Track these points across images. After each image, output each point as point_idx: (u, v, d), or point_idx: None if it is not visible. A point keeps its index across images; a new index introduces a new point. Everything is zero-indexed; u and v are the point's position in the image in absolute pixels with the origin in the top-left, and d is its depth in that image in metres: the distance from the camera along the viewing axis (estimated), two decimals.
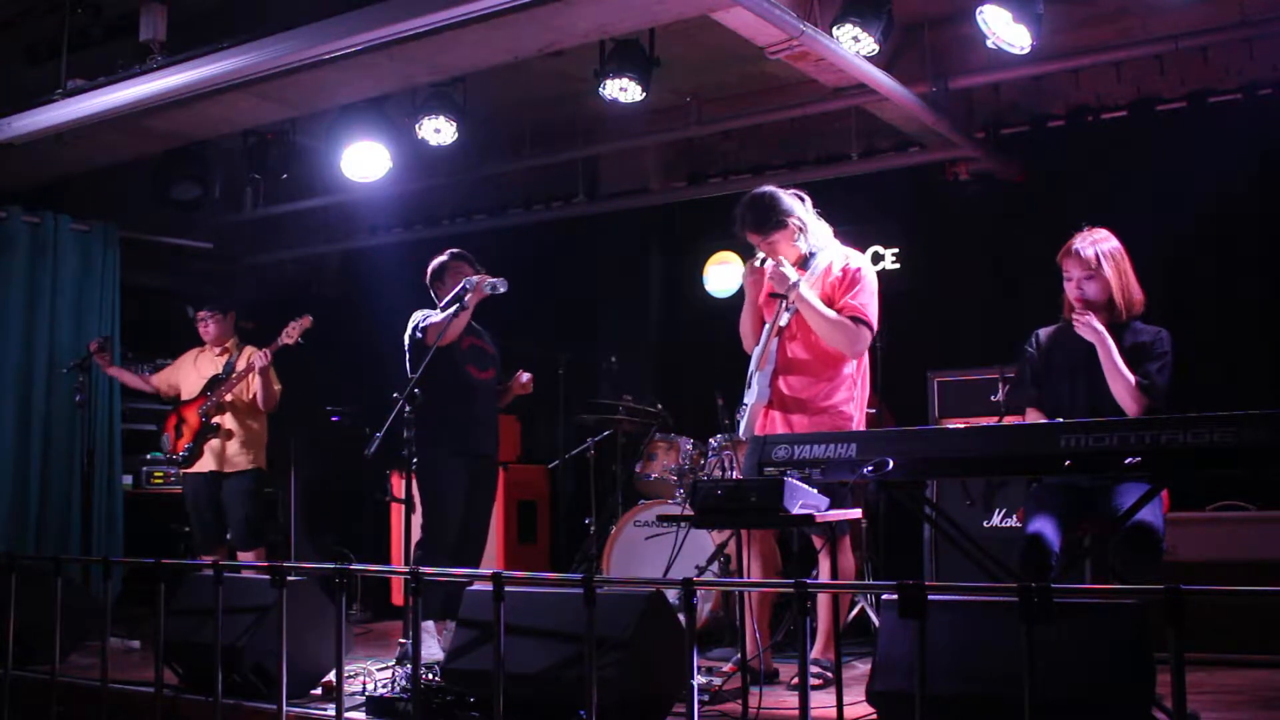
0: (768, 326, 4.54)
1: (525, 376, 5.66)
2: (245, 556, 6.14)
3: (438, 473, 5.35)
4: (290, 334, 6.05)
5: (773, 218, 4.51)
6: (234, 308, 6.60)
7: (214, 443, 6.26)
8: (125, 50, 5.63)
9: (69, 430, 7.17)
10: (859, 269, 4.52)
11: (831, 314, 4.41)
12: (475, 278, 5.27)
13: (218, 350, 6.46)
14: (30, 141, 5.99)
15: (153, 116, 5.74)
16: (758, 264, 4.56)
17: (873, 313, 4.49)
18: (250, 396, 6.27)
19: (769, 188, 4.61)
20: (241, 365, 6.21)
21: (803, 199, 4.62)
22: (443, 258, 5.56)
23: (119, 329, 7.51)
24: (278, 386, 6.28)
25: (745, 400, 4.57)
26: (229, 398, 6.26)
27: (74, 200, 7.46)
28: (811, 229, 4.58)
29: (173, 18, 5.58)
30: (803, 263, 4.57)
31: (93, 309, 7.46)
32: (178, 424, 6.40)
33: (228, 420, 6.27)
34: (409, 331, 5.43)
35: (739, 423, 4.61)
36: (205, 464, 6.26)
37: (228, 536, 6.38)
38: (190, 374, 6.48)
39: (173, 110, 5.65)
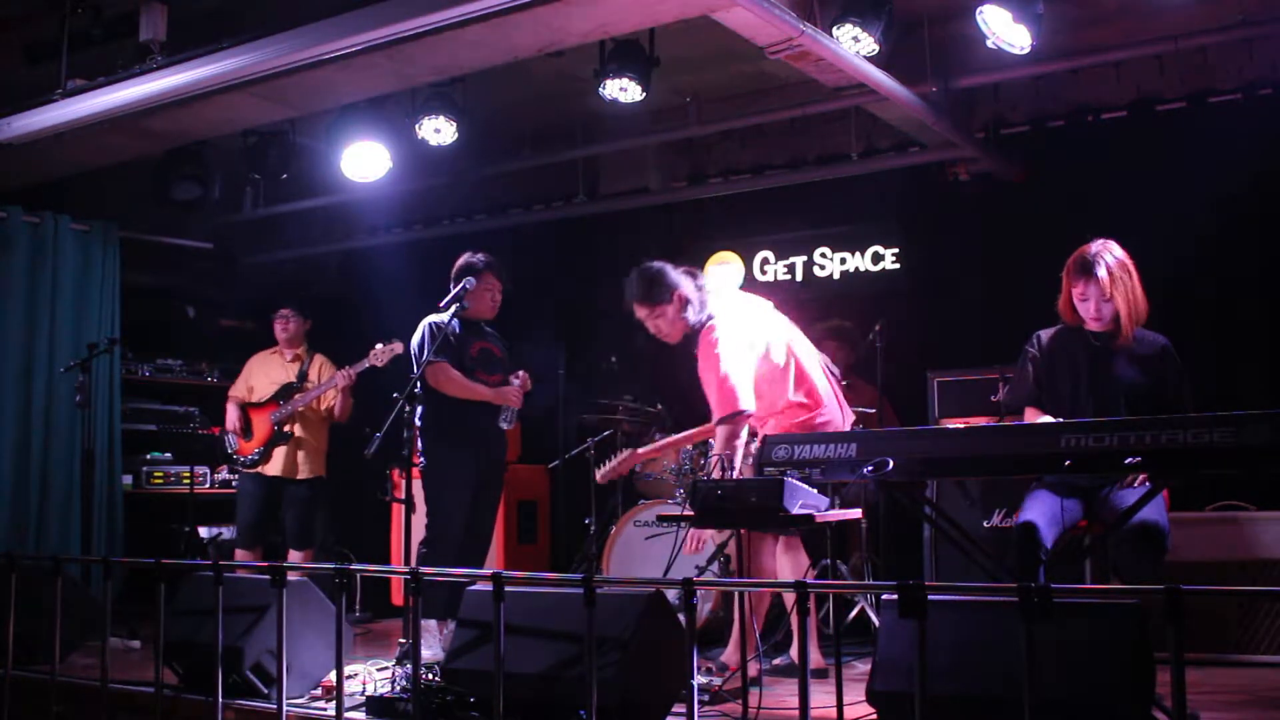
0: None
1: (519, 376, 5.60)
2: (295, 556, 6.28)
3: (442, 474, 5.35)
4: (379, 357, 6.00)
5: (656, 292, 4.59)
6: (313, 313, 6.65)
7: (283, 449, 6.35)
8: (125, 50, 5.62)
9: (69, 430, 7.18)
10: (705, 346, 4.54)
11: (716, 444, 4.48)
12: (472, 279, 5.33)
13: (289, 355, 6.52)
14: (30, 141, 5.98)
15: (153, 116, 5.73)
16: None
17: (724, 390, 4.41)
18: (324, 408, 6.36)
19: (659, 263, 4.67)
20: (313, 374, 6.30)
21: (694, 275, 4.68)
22: (475, 261, 5.50)
23: (119, 329, 7.51)
24: (351, 400, 6.37)
25: None
26: (303, 408, 6.33)
27: (74, 200, 7.46)
28: (698, 304, 4.61)
29: (173, 18, 5.57)
30: (691, 335, 4.64)
31: (93, 309, 7.46)
32: (245, 426, 6.44)
33: (299, 429, 6.36)
34: (418, 337, 5.41)
35: None
36: (272, 468, 6.36)
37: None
38: (261, 377, 6.54)
39: (173, 110, 5.64)
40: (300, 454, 6.35)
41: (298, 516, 6.34)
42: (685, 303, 4.60)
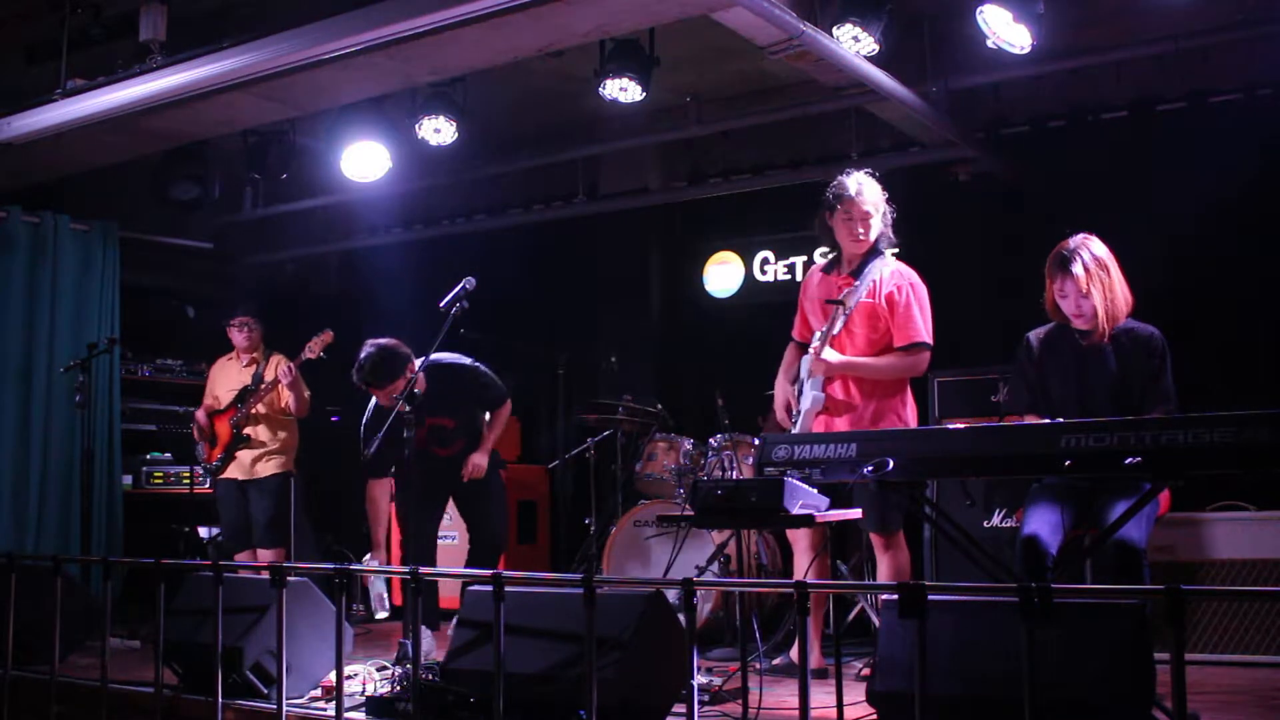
0: (819, 334, 4.55)
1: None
2: (266, 555, 6.21)
3: (406, 512, 5.41)
4: (313, 349, 6.09)
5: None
6: (263, 314, 6.64)
7: (244, 452, 6.32)
8: (125, 50, 5.62)
9: (69, 430, 7.18)
10: (910, 285, 4.61)
11: (883, 361, 4.52)
12: (472, 279, 5.24)
13: (246, 360, 6.49)
14: (30, 141, 5.98)
15: (152, 116, 5.73)
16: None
17: (926, 329, 4.58)
18: (283, 405, 6.33)
19: None
20: (269, 375, 6.25)
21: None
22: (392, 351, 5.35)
23: (119, 329, 7.51)
24: (308, 393, 6.34)
25: (799, 407, 4.54)
26: (261, 409, 6.32)
27: (74, 200, 7.46)
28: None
29: (173, 18, 5.57)
30: (865, 258, 4.66)
31: (93, 309, 7.47)
32: (211, 434, 6.44)
33: (260, 431, 6.34)
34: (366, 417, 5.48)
35: (795, 425, 4.60)
36: (235, 471, 6.33)
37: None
38: (221, 385, 6.52)
39: (172, 110, 5.65)
40: (262, 454, 6.30)
41: (263, 511, 6.26)
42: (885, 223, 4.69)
